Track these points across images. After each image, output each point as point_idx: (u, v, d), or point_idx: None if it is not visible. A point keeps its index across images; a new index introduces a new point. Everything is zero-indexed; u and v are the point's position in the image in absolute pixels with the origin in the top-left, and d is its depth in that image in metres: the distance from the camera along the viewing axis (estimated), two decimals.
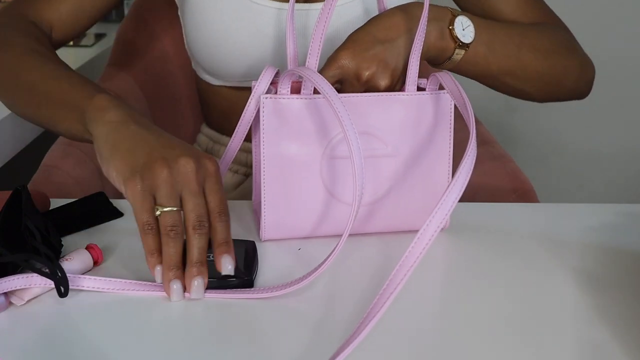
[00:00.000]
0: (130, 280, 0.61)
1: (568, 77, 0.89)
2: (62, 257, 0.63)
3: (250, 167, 1.00)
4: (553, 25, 0.92)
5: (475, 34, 0.76)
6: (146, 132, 0.64)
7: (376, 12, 0.80)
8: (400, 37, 0.71)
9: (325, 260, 0.61)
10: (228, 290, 0.61)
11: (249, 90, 0.67)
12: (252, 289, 0.62)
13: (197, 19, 0.90)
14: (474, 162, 0.57)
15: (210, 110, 1.04)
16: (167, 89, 1.17)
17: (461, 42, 0.75)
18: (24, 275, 0.58)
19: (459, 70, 0.79)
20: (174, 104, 1.17)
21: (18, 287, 0.57)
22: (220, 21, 0.88)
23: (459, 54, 0.76)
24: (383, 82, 0.70)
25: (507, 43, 0.81)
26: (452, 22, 0.74)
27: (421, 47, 0.70)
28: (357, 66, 0.69)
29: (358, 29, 0.72)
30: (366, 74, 0.70)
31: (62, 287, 0.58)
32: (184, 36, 0.95)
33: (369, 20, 0.73)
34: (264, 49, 0.88)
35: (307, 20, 0.87)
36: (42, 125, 0.79)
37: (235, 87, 0.96)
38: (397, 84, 0.72)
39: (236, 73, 0.91)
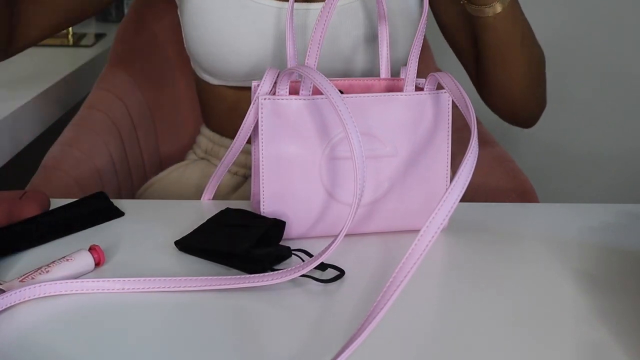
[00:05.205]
0: (127, 279, 0.61)
1: (541, 65, 0.93)
2: (63, 257, 0.63)
3: (250, 168, 0.99)
4: None
5: None
6: None
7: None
8: None
9: (322, 253, 0.61)
10: (222, 280, 0.61)
11: (249, 90, 0.67)
12: (246, 276, 0.61)
13: (197, 18, 0.90)
14: (475, 161, 0.57)
15: (209, 111, 1.04)
16: (167, 90, 1.17)
17: None
18: None
19: (503, 17, 0.83)
20: (173, 104, 1.17)
21: None
22: (220, 20, 0.88)
23: None
24: None
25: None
26: None
27: (420, 47, 0.70)
28: None
29: None
30: None
31: None
32: (183, 36, 0.95)
33: None
34: (264, 48, 0.88)
35: (307, 19, 0.87)
36: None
37: (235, 87, 0.95)
38: None
39: (236, 73, 0.91)
